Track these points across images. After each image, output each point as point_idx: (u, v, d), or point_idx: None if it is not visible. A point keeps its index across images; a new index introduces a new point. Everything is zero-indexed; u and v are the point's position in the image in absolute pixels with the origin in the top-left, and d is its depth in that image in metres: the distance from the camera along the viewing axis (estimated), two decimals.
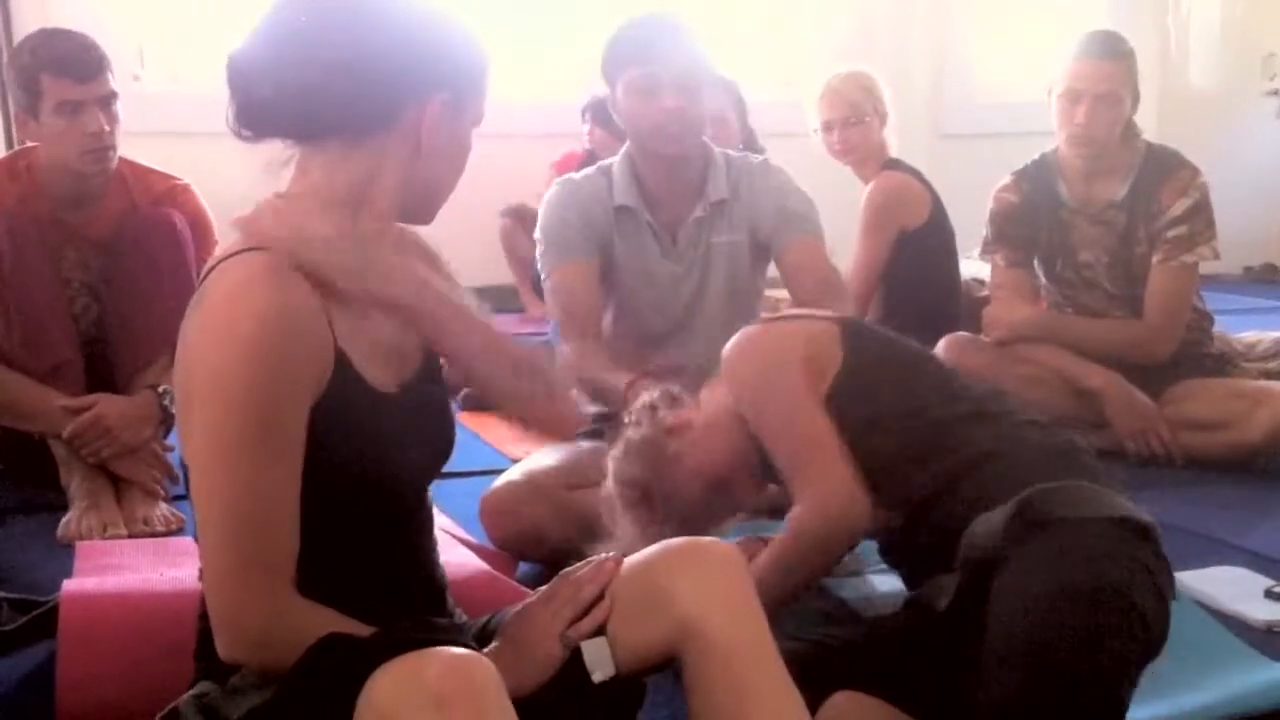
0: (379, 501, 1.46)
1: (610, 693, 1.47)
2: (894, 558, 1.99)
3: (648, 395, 2.17)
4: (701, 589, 1.44)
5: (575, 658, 1.45)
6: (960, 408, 1.89)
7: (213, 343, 1.33)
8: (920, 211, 3.76)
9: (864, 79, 3.84)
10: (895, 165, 3.82)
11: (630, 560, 1.52)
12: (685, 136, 2.63)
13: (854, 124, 3.78)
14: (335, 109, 1.41)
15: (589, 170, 2.79)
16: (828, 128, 3.81)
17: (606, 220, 2.73)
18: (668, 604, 1.45)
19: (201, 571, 1.40)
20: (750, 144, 4.03)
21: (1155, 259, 3.28)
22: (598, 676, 1.45)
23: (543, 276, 2.77)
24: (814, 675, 1.60)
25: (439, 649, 1.26)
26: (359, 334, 1.43)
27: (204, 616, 1.46)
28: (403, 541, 1.53)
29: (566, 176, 2.80)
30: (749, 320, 2.83)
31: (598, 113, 4.57)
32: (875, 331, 2.10)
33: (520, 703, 1.27)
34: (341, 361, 1.40)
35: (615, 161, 2.75)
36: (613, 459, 2.04)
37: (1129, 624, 1.58)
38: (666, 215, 2.74)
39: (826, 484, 1.85)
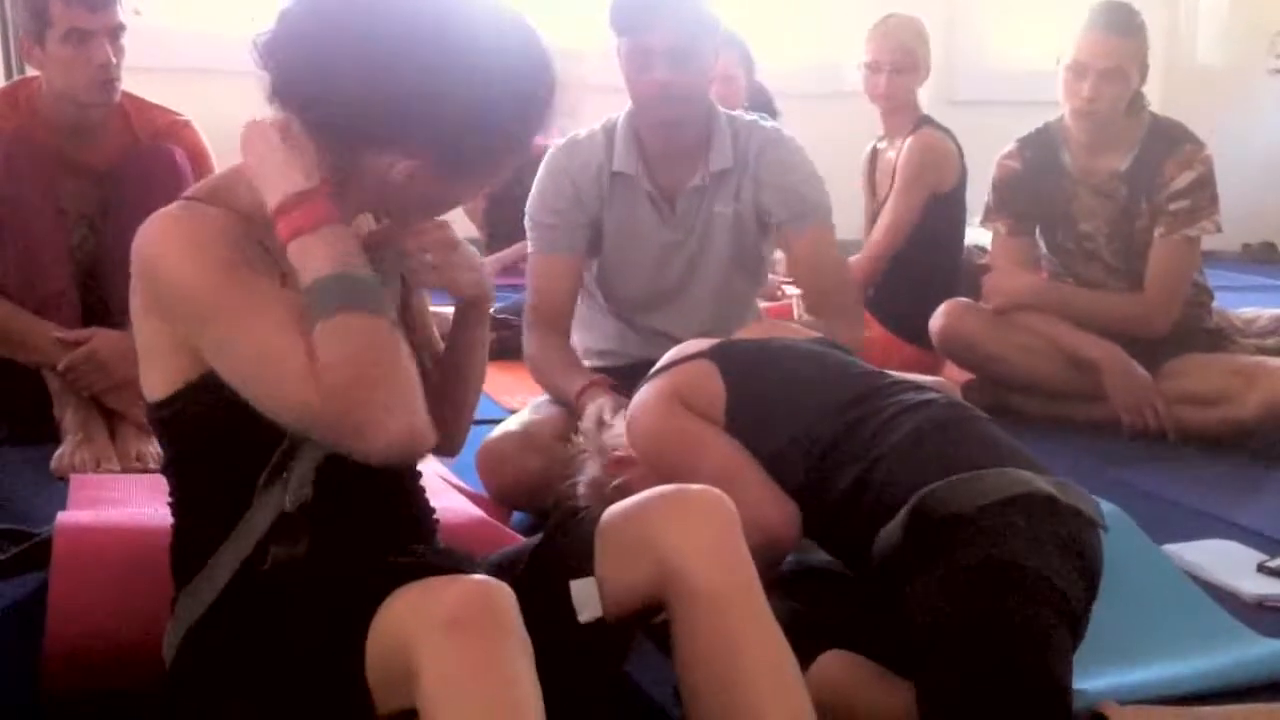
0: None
1: (597, 637, 1.47)
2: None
3: (594, 409, 2.19)
4: (686, 536, 1.44)
5: (563, 598, 1.45)
6: (842, 418, 1.89)
7: (155, 265, 1.40)
8: (950, 176, 3.73)
9: (920, 26, 3.78)
10: (931, 123, 3.76)
11: (618, 506, 1.51)
12: (677, 107, 2.55)
13: (903, 71, 3.71)
14: (319, 113, 1.41)
15: (594, 128, 2.71)
16: (875, 68, 3.73)
17: (599, 189, 2.65)
18: (653, 551, 1.44)
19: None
20: (759, 101, 4.00)
21: (1157, 232, 3.27)
22: (584, 617, 1.44)
23: (528, 248, 2.73)
24: (801, 635, 1.60)
25: (458, 575, 1.27)
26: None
27: (175, 547, 1.51)
28: (377, 478, 1.49)
29: (571, 136, 2.72)
30: (752, 289, 2.83)
31: None
32: (746, 352, 2.10)
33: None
34: None
35: (619, 120, 2.67)
36: (578, 493, 2.10)
37: (1031, 590, 1.60)
38: (666, 181, 2.66)
39: (751, 498, 1.85)
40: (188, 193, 1.50)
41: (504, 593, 1.27)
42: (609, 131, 2.67)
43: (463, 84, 1.39)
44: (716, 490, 1.51)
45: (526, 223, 2.72)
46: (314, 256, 1.35)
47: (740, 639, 1.43)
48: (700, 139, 2.63)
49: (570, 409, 2.49)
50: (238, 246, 1.39)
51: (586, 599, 1.45)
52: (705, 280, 2.71)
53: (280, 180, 1.39)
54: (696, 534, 1.45)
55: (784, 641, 1.45)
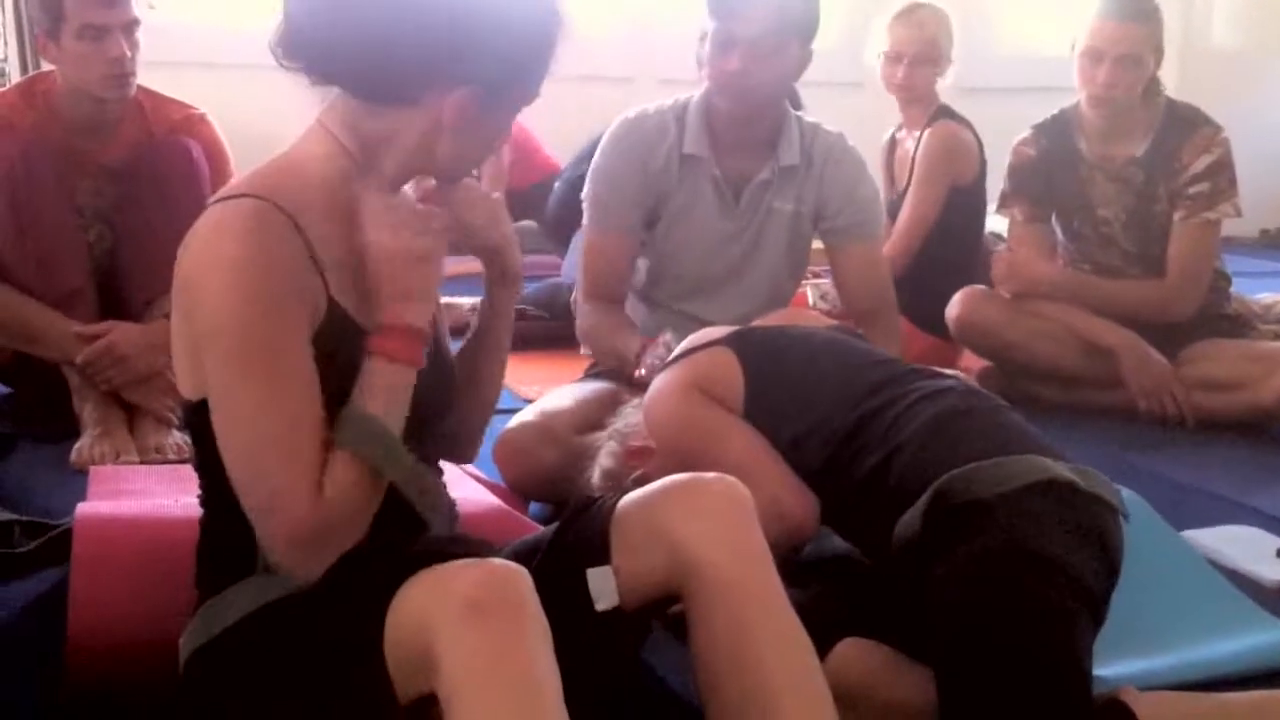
0: None
1: (613, 625, 1.47)
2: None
3: (651, 355, 2.19)
4: (701, 525, 1.44)
5: (580, 587, 1.45)
6: (862, 405, 1.89)
7: (204, 278, 1.37)
8: (971, 168, 3.70)
9: (946, 19, 3.73)
10: (950, 114, 3.74)
11: (633, 495, 1.51)
12: (745, 99, 2.56)
13: (925, 63, 3.68)
14: (360, 73, 1.43)
15: (662, 106, 2.70)
16: (896, 58, 3.69)
17: (668, 169, 2.64)
18: (668, 539, 1.45)
19: (228, 500, 1.40)
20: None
21: (1177, 216, 3.26)
22: (601, 605, 1.44)
23: (584, 223, 2.72)
24: (819, 623, 1.60)
25: (477, 559, 1.29)
26: (347, 277, 1.44)
27: (202, 544, 1.51)
28: None
29: (639, 111, 2.70)
30: (792, 290, 2.82)
31: None
32: (765, 339, 2.10)
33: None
34: (333, 303, 1.42)
35: (692, 103, 2.66)
36: (593, 482, 2.11)
37: (1051, 576, 1.60)
38: (733, 169, 2.66)
39: (772, 489, 1.87)
40: (245, 187, 1.43)
41: (522, 576, 1.28)
42: (678, 112, 2.67)
43: (500, 6, 1.43)
44: (731, 478, 1.51)
45: (587, 197, 2.70)
46: (382, 385, 1.40)
47: (756, 627, 1.43)
48: (769, 133, 2.65)
49: (625, 369, 2.49)
50: (287, 272, 1.38)
51: (603, 587, 1.45)
52: (754, 274, 2.71)
53: (408, 302, 1.42)
54: (711, 523, 1.45)
55: (800, 629, 1.45)
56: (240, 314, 1.35)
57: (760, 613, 1.43)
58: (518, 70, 1.47)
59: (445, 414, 1.62)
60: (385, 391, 1.40)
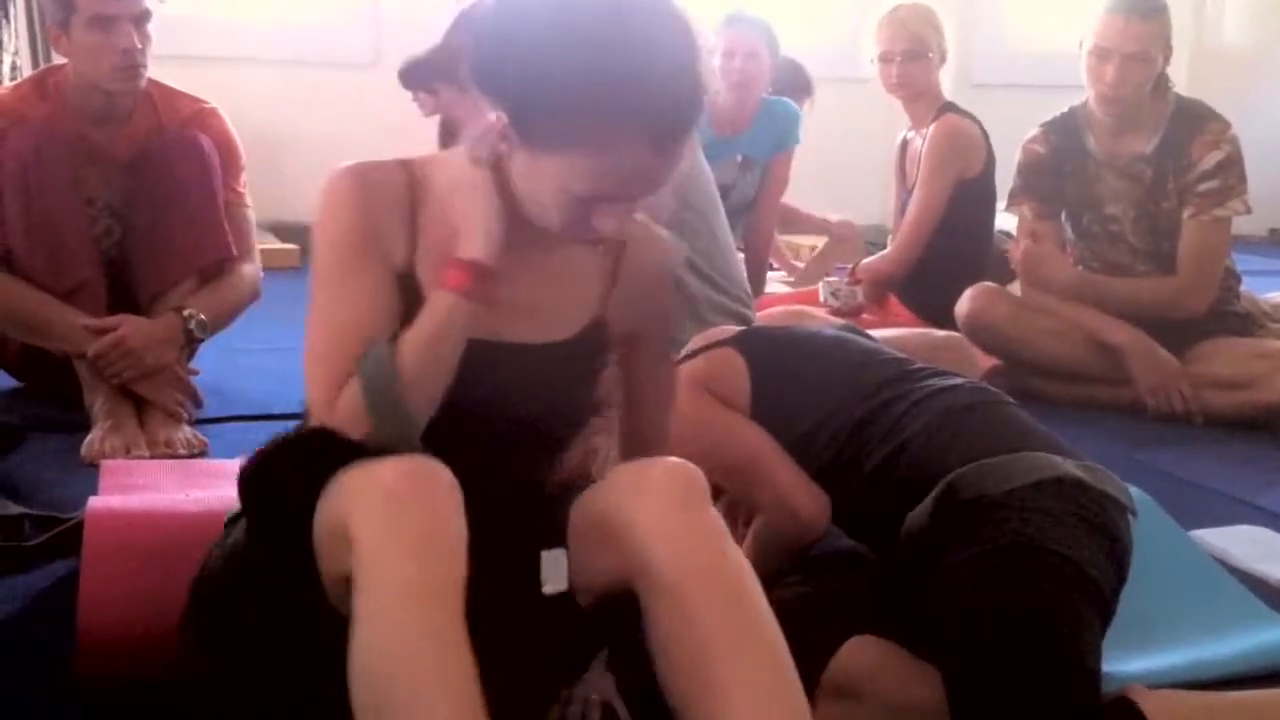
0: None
1: (572, 608, 1.43)
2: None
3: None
4: (646, 513, 1.33)
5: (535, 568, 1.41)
6: (868, 402, 1.88)
7: (322, 202, 1.48)
8: (977, 161, 3.72)
9: (929, 13, 3.77)
10: (955, 109, 3.76)
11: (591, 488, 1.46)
12: None
13: (915, 58, 3.71)
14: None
15: None
16: (887, 59, 3.74)
17: None
18: (614, 528, 1.35)
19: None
20: (787, 76, 3.99)
21: (1186, 214, 3.25)
22: (549, 589, 1.39)
23: None
24: (827, 620, 1.60)
25: (400, 455, 1.30)
26: (435, 254, 1.46)
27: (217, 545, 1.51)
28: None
29: None
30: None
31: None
32: (770, 339, 2.09)
33: (500, 615, 1.29)
34: (410, 268, 1.46)
35: None
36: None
37: (1060, 573, 1.60)
38: None
39: (782, 488, 1.88)
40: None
41: (443, 471, 1.29)
42: None
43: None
44: (680, 461, 1.41)
45: None
46: (435, 314, 1.42)
47: (705, 629, 1.30)
48: None
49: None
50: (379, 214, 1.45)
51: (554, 571, 1.40)
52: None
53: (472, 239, 1.43)
54: (657, 511, 1.34)
55: (762, 625, 1.32)
56: (328, 232, 1.45)
57: (713, 614, 1.30)
58: (558, 125, 1.37)
59: (569, 430, 1.61)
60: (436, 322, 1.41)
